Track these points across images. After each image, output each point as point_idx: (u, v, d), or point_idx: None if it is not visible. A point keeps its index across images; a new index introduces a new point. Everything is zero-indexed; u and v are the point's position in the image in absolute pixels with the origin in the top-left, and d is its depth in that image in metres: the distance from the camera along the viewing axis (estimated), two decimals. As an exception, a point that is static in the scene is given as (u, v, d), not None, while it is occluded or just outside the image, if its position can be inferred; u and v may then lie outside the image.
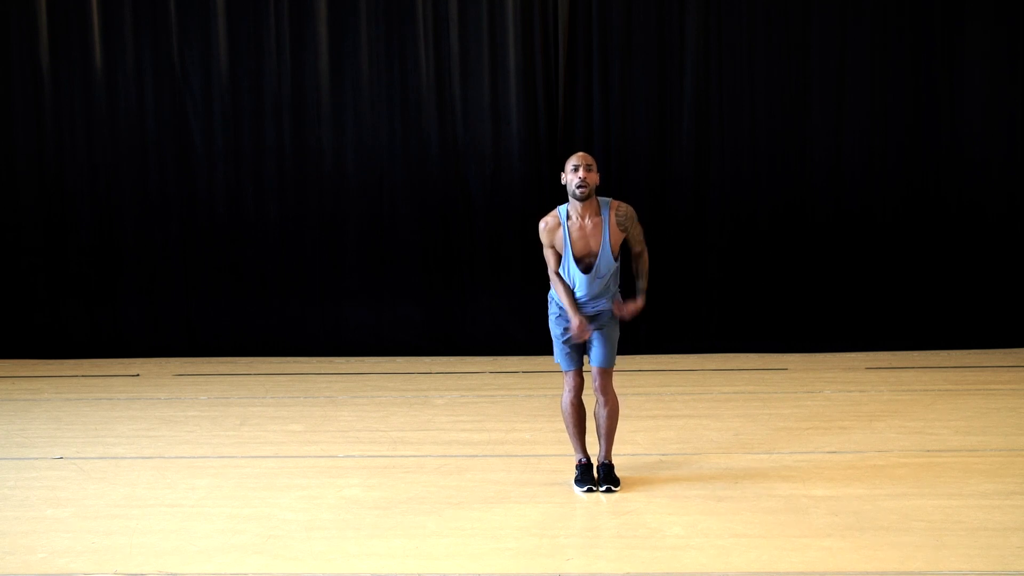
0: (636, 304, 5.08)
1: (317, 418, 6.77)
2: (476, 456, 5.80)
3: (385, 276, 8.90)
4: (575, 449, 5.25)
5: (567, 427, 5.24)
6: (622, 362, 8.52)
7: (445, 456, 5.80)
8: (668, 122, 8.65)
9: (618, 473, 5.19)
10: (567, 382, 5.17)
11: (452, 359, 8.68)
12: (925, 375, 7.73)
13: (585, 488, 5.10)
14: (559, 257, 5.02)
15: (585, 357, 5.21)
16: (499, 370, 8.26)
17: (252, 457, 5.87)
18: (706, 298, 8.76)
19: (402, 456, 5.85)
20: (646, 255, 5.15)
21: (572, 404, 5.17)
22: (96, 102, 8.85)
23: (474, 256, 8.86)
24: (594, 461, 5.23)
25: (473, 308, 8.86)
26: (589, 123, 8.67)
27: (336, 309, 8.95)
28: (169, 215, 8.93)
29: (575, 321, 4.98)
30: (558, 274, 5.05)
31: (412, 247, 8.87)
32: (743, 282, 8.71)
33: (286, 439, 6.25)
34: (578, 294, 5.04)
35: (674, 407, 6.87)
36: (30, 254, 9.00)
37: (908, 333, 8.63)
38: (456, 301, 8.90)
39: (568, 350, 5.14)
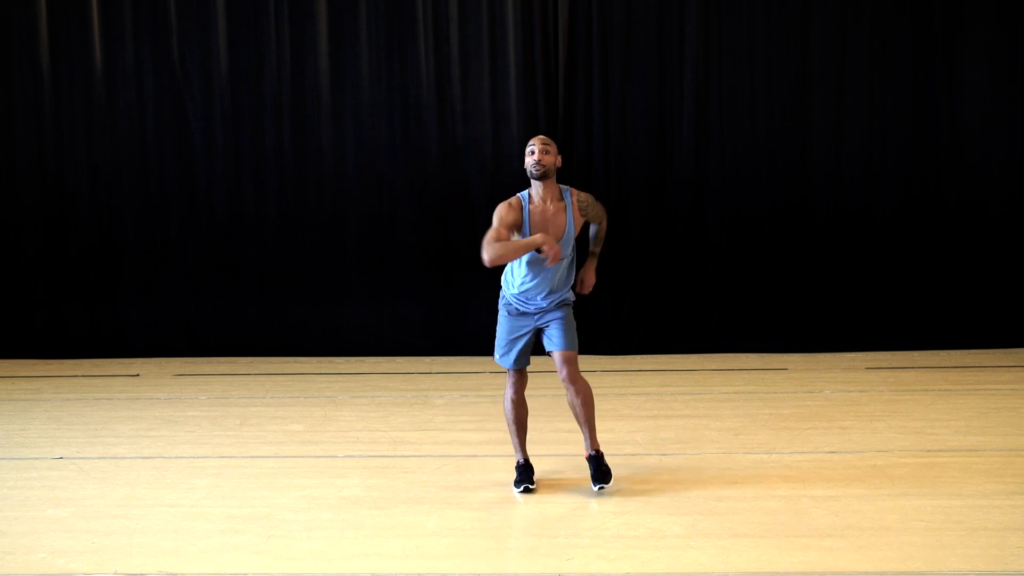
0: (591, 274, 5.17)
1: (317, 418, 6.77)
2: (476, 456, 5.80)
3: (385, 276, 8.90)
4: (515, 450, 5.27)
5: (508, 425, 5.25)
6: (623, 362, 8.63)
7: (445, 456, 5.80)
8: (668, 122, 8.65)
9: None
10: (509, 379, 5.20)
11: (452, 359, 8.67)
12: (925, 375, 7.73)
13: (521, 488, 5.11)
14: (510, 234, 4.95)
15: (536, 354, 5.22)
16: (499, 370, 8.20)
17: (252, 457, 5.87)
18: (706, 298, 8.75)
19: (402, 456, 5.85)
20: (606, 223, 5.23)
21: (513, 401, 5.18)
22: (96, 102, 8.84)
23: (474, 256, 8.80)
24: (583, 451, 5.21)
25: (473, 308, 8.83)
26: (589, 123, 8.67)
27: (336, 309, 8.95)
28: (169, 215, 8.93)
29: (543, 238, 4.76)
30: (499, 241, 4.86)
31: (412, 247, 8.86)
32: (743, 282, 8.71)
33: (286, 439, 6.25)
34: (535, 284, 5.02)
35: (674, 407, 6.87)
36: (30, 254, 9.00)
37: (908, 333, 8.63)
38: (456, 301, 8.89)
39: (513, 347, 5.14)
